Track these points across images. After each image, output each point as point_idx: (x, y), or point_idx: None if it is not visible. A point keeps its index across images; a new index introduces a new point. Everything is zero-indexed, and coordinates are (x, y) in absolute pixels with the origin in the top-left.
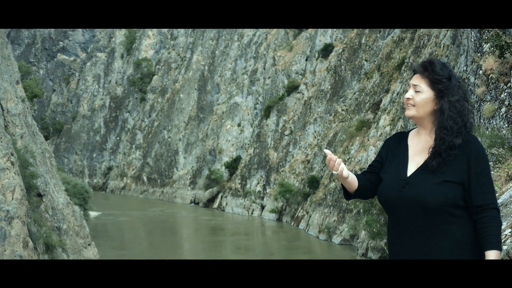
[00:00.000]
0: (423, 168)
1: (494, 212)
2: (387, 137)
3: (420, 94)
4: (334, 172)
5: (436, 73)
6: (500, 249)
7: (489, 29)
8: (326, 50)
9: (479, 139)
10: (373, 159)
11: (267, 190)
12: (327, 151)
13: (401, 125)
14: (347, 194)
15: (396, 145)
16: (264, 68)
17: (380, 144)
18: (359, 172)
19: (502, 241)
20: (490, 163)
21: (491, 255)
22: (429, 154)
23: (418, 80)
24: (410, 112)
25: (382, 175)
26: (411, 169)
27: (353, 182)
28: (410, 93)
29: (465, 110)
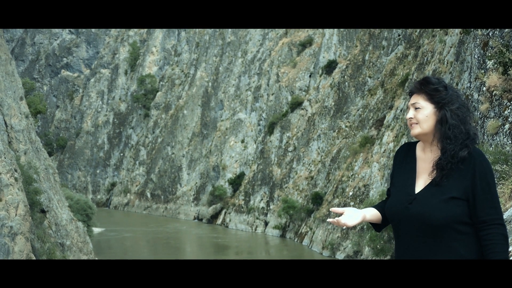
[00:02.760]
0: (430, 185)
1: (500, 229)
2: (396, 150)
3: (420, 111)
4: (350, 224)
5: (431, 83)
6: None
7: (493, 46)
8: (330, 67)
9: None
10: (376, 175)
11: (271, 207)
12: (332, 220)
13: (404, 142)
14: (376, 226)
15: (403, 157)
16: (268, 85)
17: (383, 160)
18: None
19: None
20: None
21: None
22: (433, 167)
23: (415, 99)
24: (415, 130)
25: (391, 189)
26: (419, 185)
27: (376, 216)
28: (411, 113)
29: (467, 118)
